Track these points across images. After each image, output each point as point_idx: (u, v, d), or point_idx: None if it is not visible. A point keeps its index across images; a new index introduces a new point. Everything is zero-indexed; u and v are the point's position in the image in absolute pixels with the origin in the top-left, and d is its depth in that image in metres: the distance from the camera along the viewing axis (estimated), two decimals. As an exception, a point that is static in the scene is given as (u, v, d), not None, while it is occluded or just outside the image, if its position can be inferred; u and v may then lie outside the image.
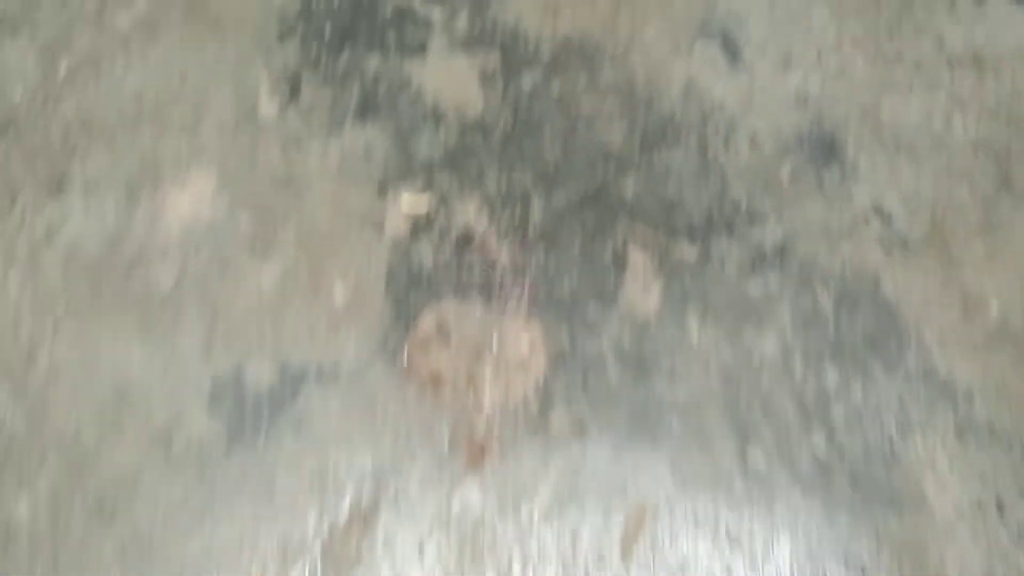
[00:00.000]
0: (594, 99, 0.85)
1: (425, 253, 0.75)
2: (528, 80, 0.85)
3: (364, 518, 0.65)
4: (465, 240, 0.76)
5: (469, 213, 0.78)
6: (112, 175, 0.77)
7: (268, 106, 0.82)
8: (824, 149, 0.84)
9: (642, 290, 0.75)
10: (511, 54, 0.86)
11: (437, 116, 0.83)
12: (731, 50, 0.88)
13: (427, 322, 0.71)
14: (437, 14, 0.88)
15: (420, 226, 0.77)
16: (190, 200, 0.76)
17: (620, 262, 0.76)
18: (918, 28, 0.92)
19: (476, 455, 0.67)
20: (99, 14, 0.85)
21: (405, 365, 0.69)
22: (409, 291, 0.74)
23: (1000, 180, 0.85)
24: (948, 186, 0.84)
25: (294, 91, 0.82)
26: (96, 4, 0.86)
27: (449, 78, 0.84)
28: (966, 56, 0.91)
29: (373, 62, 0.84)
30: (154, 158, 0.79)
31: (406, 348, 0.70)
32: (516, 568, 0.64)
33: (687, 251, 0.77)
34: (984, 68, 0.91)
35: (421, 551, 0.64)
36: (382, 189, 0.79)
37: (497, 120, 0.83)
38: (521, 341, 0.71)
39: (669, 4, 0.91)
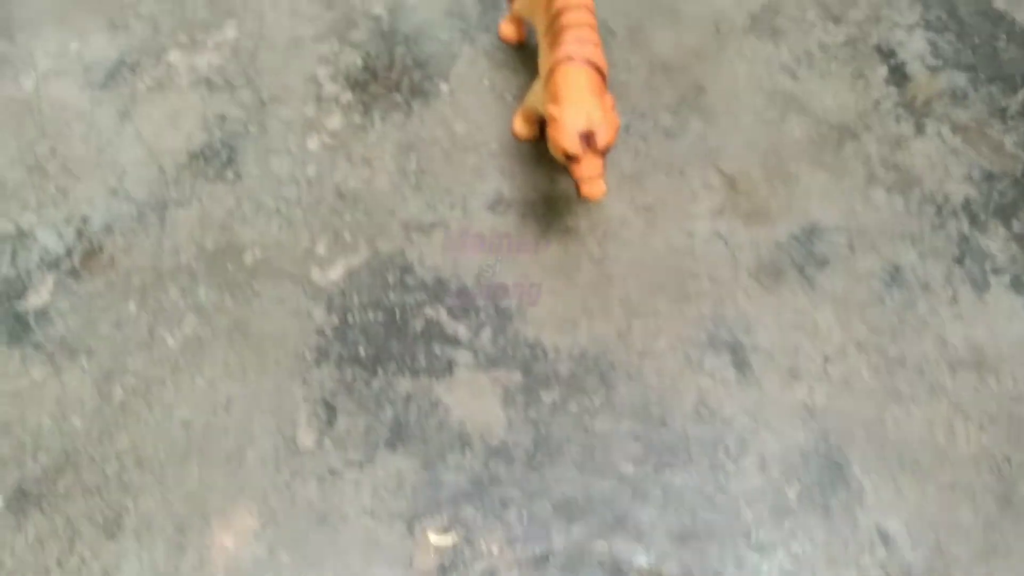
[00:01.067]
0: (610, 419, 0.90)
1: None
2: (548, 399, 0.91)
3: None
4: None
5: (493, 551, 0.83)
6: (162, 515, 0.84)
7: (306, 435, 0.88)
8: (830, 470, 0.89)
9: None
10: (532, 372, 0.92)
11: (463, 441, 0.88)
12: (740, 360, 0.94)
13: None
14: (463, 331, 0.94)
15: (447, 563, 0.83)
16: (234, 540, 0.82)
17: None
18: (920, 326, 0.97)
19: None
20: (151, 335, 0.92)
21: None
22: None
23: (1002, 497, 0.89)
24: (951, 505, 0.88)
25: (330, 419, 0.88)
26: (147, 325, 0.93)
27: (474, 399, 0.90)
28: (968, 357, 0.96)
29: (404, 385, 0.90)
30: (201, 494, 0.85)
31: None
32: None
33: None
34: (985, 369, 0.95)
35: None
36: (410, 526, 0.84)
37: (519, 444, 0.88)
38: None
39: (679, 313, 0.96)
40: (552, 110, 0.88)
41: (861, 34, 1.19)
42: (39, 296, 0.94)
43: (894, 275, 1.00)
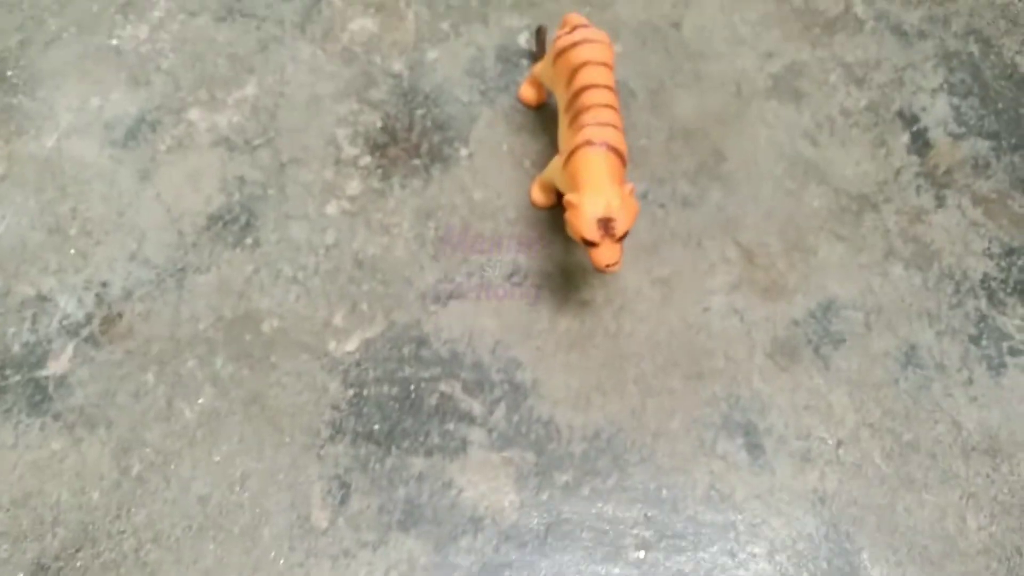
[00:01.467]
0: (623, 503, 0.91)
1: None
2: (561, 480, 0.91)
3: None
4: None
5: (503, 639, 0.84)
6: (178, 594, 0.85)
7: (320, 514, 0.89)
8: (840, 557, 0.89)
9: None
10: (545, 452, 0.92)
11: (475, 523, 0.89)
12: (752, 443, 0.94)
13: None
14: (478, 407, 0.94)
15: (457, 650, 0.84)
16: (248, 620, 0.84)
17: None
18: (935, 408, 0.97)
19: None
20: (168, 406, 0.93)
21: None
22: None
23: (1010, 591, 0.89)
24: (959, 598, 0.89)
25: (344, 497, 0.89)
26: (166, 397, 0.94)
27: (487, 480, 0.91)
28: (982, 442, 0.96)
29: (418, 463, 0.91)
30: (217, 572, 0.86)
31: None
32: None
33: None
34: (999, 455, 0.95)
35: None
36: (423, 611, 0.85)
37: (531, 528, 0.89)
38: None
39: (694, 392, 0.97)
40: (571, 197, 0.88)
41: (884, 98, 1.18)
42: (59, 364, 0.95)
43: (910, 355, 1.00)
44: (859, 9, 1.25)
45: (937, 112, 1.17)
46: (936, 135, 1.15)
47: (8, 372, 0.94)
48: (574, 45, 0.98)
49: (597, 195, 0.88)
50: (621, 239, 0.89)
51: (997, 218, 1.09)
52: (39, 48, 1.13)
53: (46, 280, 1.00)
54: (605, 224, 0.87)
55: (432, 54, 1.18)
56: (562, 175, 0.95)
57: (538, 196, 1.05)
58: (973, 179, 1.12)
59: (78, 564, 0.86)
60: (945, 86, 1.19)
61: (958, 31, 1.24)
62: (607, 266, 0.89)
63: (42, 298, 0.99)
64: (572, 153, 0.92)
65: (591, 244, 0.89)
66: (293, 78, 1.15)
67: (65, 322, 0.97)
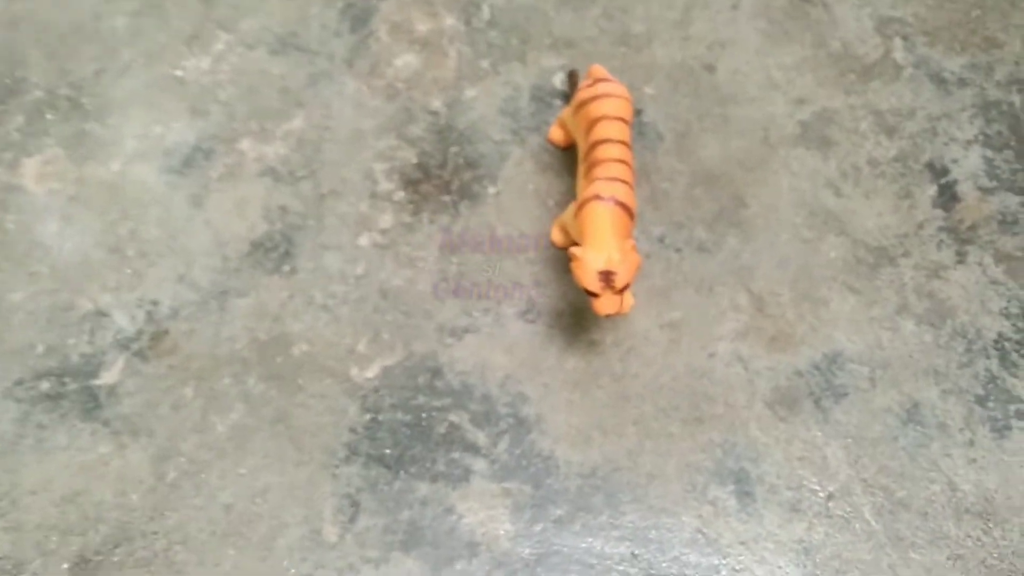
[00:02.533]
0: (612, 540, 0.96)
1: None
2: (555, 514, 0.97)
3: None
4: None
5: (487, 660, 0.91)
6: (200, 593, 0.95)
7: (331, 529, 0.97)
8: (818, 611, 0.93)
9: None
10: (543, 485, 0.98)
11: (471, 549, 0.96)
12: (743, 491, 0.98)
13: None
14: (483, 438, 1.01)
15: (445, 666, 0.91)
16: (259, 623, 0.93)
17: None
18: (931, 468, 0.99)
19: None
20: (203, 420, 1.03)
21: None
22: None
23: (989, 655, 0.91)
24: (935, 658, 0.91)
25: (354, 515, 0.97)
26: (201, 410, 1.03)
27: (485, 509, 0.97)
28: (976, 505, 0.98)
29: (423, 489, 0.98)
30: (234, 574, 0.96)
31: None
32: None
33: None
34: (992, 519, 0.97)
35: None
36: (416, 627, 0.93)
37: (522, 557, 0.95)
38: None
39: (691, 437, 1.01)
40: (575, 250, 0.94)
41: (914, 149, 1.19)
42: (111, 375, 1.06)
43: (912, 412, 1.02)
44: (899, 55, 1.26)
45: (969, 165, 1.17)
46: (965, 188, 1.16)
47: (67, 380, 1.05)
48: (594, 99, 1.02)
49: (600, 249, 0.93)
50: (622, 291, 0.93)
51: (1019, 277, 1.09)
52: (112, 77, 1.24)
53: (104, 296, 1.10)
54: (606, 277, 0.92)
55: (470, 92, 1.24)
56: (573, 223, 1.00)
57: (557, 236, 1.11)
58: (998, 235, 1.12)
59: (115, 559, 0.96)
60: (980, 137, 1.19)
61: (1001, 80, 1.24)
62: (607, 315, 0.94)
63: (100, 313, 1.09)
64: (582, 205, 0.98)
65: (593, 295, 0.94)
66: (339, 112, 1.23)
67: (119, 336, 1.08)
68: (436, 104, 1.23)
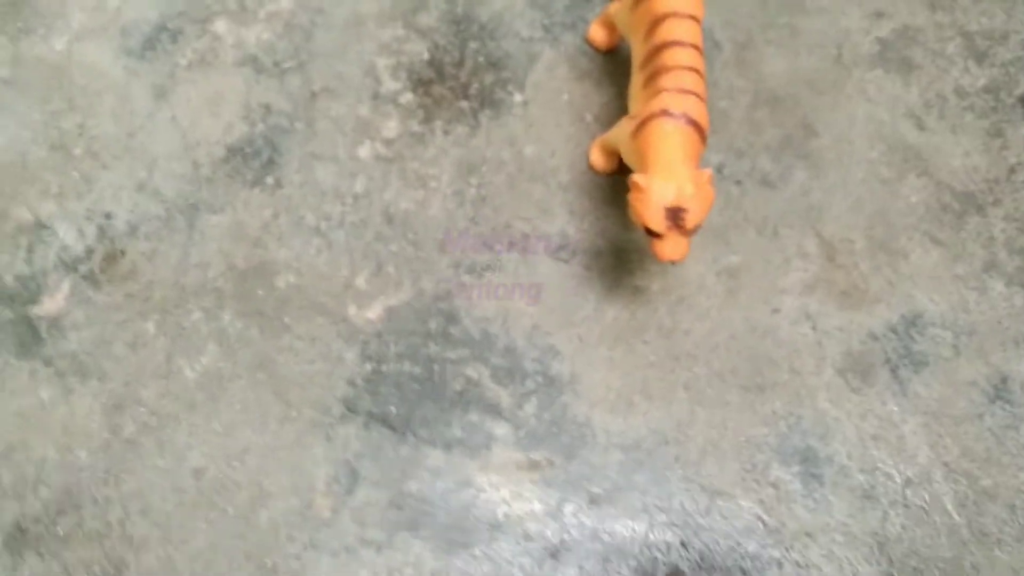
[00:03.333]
0: (657, 527, 0.82)
1: None
2: (591, 492, 0.82)
3: None
4: None
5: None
6: (165, 574, 0.78)
7: (324, 502, 0.81)
8: (892, 615, 0.80)
9: None
10: (576, 457, 0.83)
11: (491, 530, 0.81)
12: (810, 473, 0.84)
13: None
14: (506, 398, 0.85)
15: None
16: (236, 611, 0.77)
17: None
18: (1020, 455, 0.86)
19: None
20: (168, 363, 0.85)
21: None
22: None
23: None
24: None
25: (351, 486, 0.81)
26: (165, 351, 0.85)
27: (509, 484, 0.82)
28: (1068, 496, 0.85)
29: (435, 457, 0.83)
30: (207, 556, 0.79)
31: None
32: None
33: None
34: (1086, 514, 0.85)
35: None
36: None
37: (553, 544, 0.81)
38: None
39: (750, 407, 0.86)
40: (638, 178, 0.76)
41: (1007, 79, 1.02)
42: (54, 302, 0.86)
43: (1000, 388, 0.88)
44: (993, -33, 1.07)
45: (1068, 101, 1.01)
46: (1063, 128, 1.00)
47: (-2, 306, 0.85)
48: None
49: (668, 179, 0.75)
50: (692, 233, 0.76)
51: (1121, 235, 0.95)
52: (53, -68, 1.00)
53: (45, 205, 0.90)
54: (674, 214, 0.75)
55: (490, -22, 1.03)
56: (629, 144, 0.82)
57: (598, 159, 0.92)
58: (1100, 185, 0.97)
59: (59, 531, 0.79)
60: (1082, 69, 1.02)
61: (1105, 3, 1.06)
62: (671, 262, 0.77)
63: (40, 225, 0.89)
64: (644, 122, 0.79)
65: (655, 235, 0.76)
66: (335, -7, 1.01)
67: (64, 255, 0.88)
68: (453, -10, 1.02)
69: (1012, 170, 0.97)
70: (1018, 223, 0.95)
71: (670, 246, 0.76)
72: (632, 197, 0.77)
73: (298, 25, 0.99)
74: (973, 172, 0.97)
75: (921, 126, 0.99)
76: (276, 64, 0.97)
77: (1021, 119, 1.00)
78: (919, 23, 1.05)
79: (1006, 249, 0.94)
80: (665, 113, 0.78)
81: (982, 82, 1.02)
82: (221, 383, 0.84)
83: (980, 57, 1.03)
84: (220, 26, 0.98)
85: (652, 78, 0.81)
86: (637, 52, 0.86)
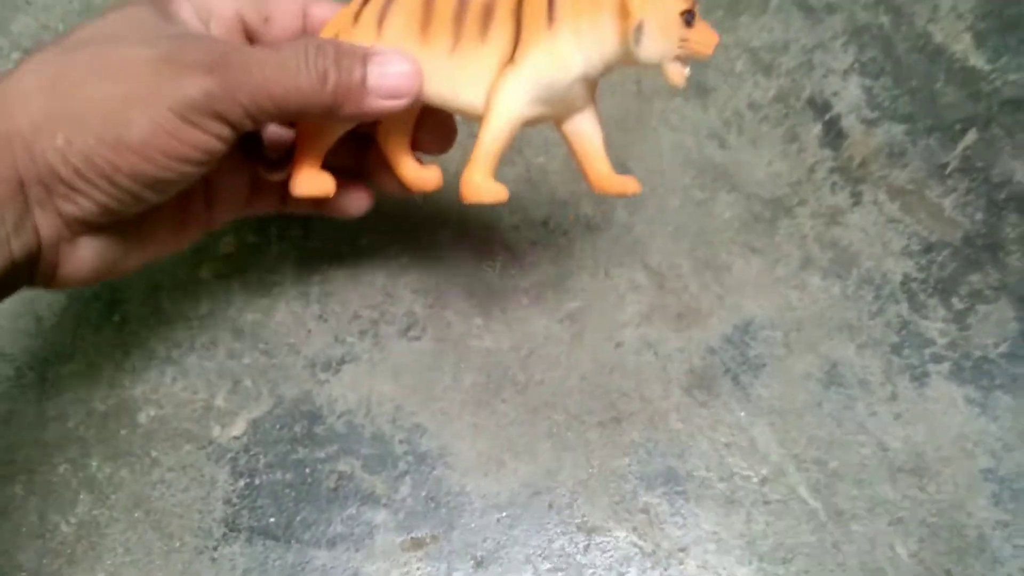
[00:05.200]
0: (542, 573, 0.86)
1: None
2: (476, 555, 0.86)
3: None
4: None
5: None
6: None
7: (220, 625, 0.83)
8: (770, 608, 0.86)
9: None
10: (457, 527, 0.87)
11: (388, 614, 0.84)
12: (674, 491, 0.89)
13: None
14: (380, 485, 0.88)
15: None
16: None
17: None
18: (859, 432, 0.94)
19: None
20: (41, 521, 0.85)
21: None
22: None
23: (942, 619, 0.87)
24: (892, 633, 0.86)
25: (244, 603, 0.83)
26: (37, 510, 0.86)
27: (396, 567, 0.85)
28: (908, 462, 0.93)
29: (321, 557, 0.85)
30: None
31: None
32: None
33: None
34: (925, 475, 0.93)
35: None
36: None
37: (448, 613, 0.84)
38: None
39: (610, 441, 0.91)
40: None
41: (793, 86, 1.10)
42: (-87, 485, 0.86)
43: (832, 374, 0.96)
44: (763, -17, 1.17)
45: (849, 96, 1.10)
46: (849, 123, 1.09)
47: None
48: None
49: None
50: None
51: (915, 212, 1.04)
52: None
53: None
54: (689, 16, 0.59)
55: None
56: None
57: (483, 186, 0.66)
58: (888, 169, 1.06)
59: None
60: (856, 66, 1.12)
61: (867, 1, 1.17)
62: (706, 49, 0.61)
63: None
64: (552, 6, 0.59)
65: (693, 16, 0.59)
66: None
67: (-85, 435, 0.87)
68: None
69: (811, 169, 1.06)
70: (824, 217, 1.03)
71: (702, 32, 0.60)
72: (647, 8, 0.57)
73: (117, 159, 1.01)
74: (777, 178, 1.05)
75: (724, 144, 1.07)
76: (102, 202, 0.98)
77: (811, 120, 1.09)
78: (706, 48, 1.12)
79: (817, 244, 1.02)
80: None
81: (772, 92, 1.10)
82: (99, 530, 0.85)
83: (767, 70, 1.12)
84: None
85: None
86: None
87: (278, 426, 0.90)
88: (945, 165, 1.08)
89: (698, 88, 1.10)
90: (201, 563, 0.85)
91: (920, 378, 0.96)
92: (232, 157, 0.62)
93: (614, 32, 0.60)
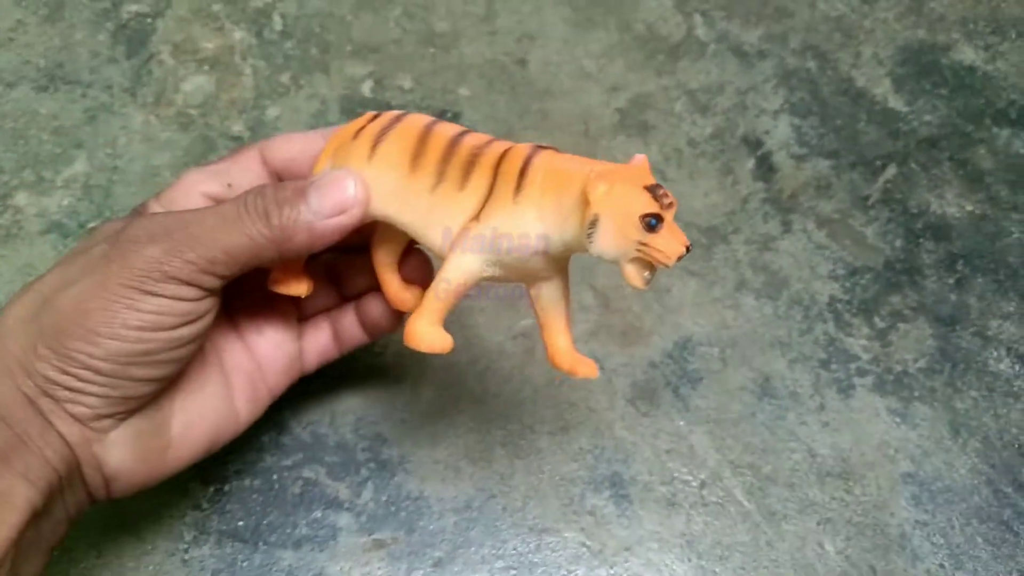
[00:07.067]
0: (495, 573, 0.92)
1: None
2: (433, 556, 0.92)
3: None
4: None
5: None
6: None
7: (189, 623, 0.87)
8: (708, 602, 0.93)
9: None
10: (416, 529, 0.92)
11: (350, 612, 0.89)
12: (619, 495, 0.96)
13: None
14: (344, 490, 0.93)
15: None
16: None
17: None
18: (791, 439, 1.01)
19: None
20: (17, 527, 0.89)
21: None
22: None
23: (866, 611, 0.94)
24: (820, 624, 0.93)
25: (213, 603, 0.87)
26: (13, 516, 0.89)
27: (358, 567, 0.90)
28: (835, 466, 1.01)
29: (287, 558, 0.90)
30: None
31: None
32: None
33: None
34: (851, 478, 1.00)
35: None
36: None
37: (407, 610, 0.89)
38: None
39: (560, 448, 0.98)
40: (595, 185, 0.56)
41: (728, 124, 1.20)
42: None
43: (764, 387, 1.03)
44: (700, 32, 1.27)
45: (780, 134, 1.20)
46: (780, 158, 1.18)
47: None
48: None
49: (614, 167, 0.59)
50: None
51: (840, 239, 1.13)
52: None
53: None
54: (653, 191, 0.57)
55: (273, 111, 1.14)
56: (524, 210, 0.59)
57: (430, 334, 0.67)
58: (816, 201, 1.16)
59: None
60: (786, 106, 1.22)
61: (796, 48, 1.28)
62: (677, 253, 0.57)
63: None
64: (524, 170, 0.60)
65: (656, 225, 0.56)
66: (126, 149, 1.10)
67: None
68: (237, 128, 1.13)
69: (744, 200, 1.15)
70: (756, 244, 1.12)
71: (670, 234, 0.57)
72: (603, 203, 0.56)
73: (96, 186, 1.07)
74: (713, 208, 1.14)
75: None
76: (81, 226, 1.04)
77: (745, 155, 1.19)
78: (649, 89, 1.22)
79: (751, 268, 1.11)
80: (536, 150, 0.63)
81: (709, 130, 1.20)
82: (73, 536, 0.89)
83: (703, 109, 1.22)
84: (20, 199, 1.05)
85: (471, 163, 0.62)
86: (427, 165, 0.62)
87: (246, 435, 0.95)
88: (867, 197, 1.18)
89: (640, 126, 1.19)
90: (172, 564, 0.89)
91: (846, 390, 1.04)
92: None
93: (576, 219, 0.57)
